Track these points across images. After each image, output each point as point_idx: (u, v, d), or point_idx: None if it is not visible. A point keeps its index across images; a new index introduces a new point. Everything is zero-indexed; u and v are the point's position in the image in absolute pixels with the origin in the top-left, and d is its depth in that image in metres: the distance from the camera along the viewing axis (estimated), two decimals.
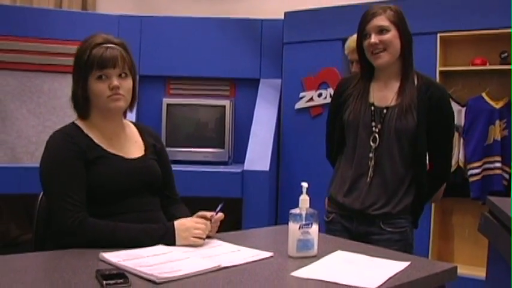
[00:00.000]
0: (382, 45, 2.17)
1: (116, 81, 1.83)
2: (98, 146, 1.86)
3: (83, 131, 1.87)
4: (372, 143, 2.21)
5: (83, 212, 1.73)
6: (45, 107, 4.37)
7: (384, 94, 2.25)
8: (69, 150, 1.79)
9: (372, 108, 2.23)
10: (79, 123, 1.90)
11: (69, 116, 1.97)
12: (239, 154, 4.42)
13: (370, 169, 2.22)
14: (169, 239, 1.72)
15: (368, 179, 2.22)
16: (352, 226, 2.27)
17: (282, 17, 4.42)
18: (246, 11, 4.90)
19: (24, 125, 4.31)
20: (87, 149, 1.82)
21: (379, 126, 2.21)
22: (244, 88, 4.62)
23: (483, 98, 3.73)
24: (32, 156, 4.25)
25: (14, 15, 4.36)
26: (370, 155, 2.21)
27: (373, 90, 2.28)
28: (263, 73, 4.58)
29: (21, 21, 4.35)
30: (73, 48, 4.79)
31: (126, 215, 1.80)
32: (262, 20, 4.60)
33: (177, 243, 1.72)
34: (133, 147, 1.96)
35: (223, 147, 4.41)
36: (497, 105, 3.68)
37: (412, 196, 2.23)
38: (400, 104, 2.19)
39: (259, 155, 4.06)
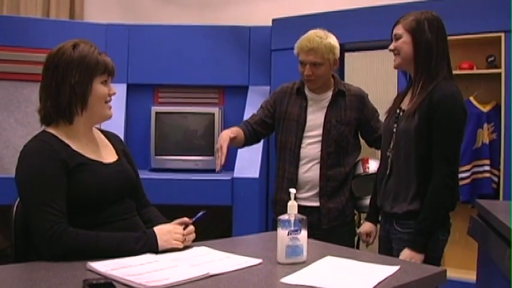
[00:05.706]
0: (396, 50, 2.28)
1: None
2: (76, 152, 1.80)
3: (58, 138, 1.80)
4: (390, 143, 2.30)
5: (64, 222, 1.66)
6: (33, 117, 4.26)
7: (408, 98, 2.33)
8: (49, 158, 1.72)
9: (397, 112, 2.32)
10: (52, 130, 1.82)
11: None
12: (229, 161, 4.39)
13: (388, 168, 2.30)
14: (151, 245, 1.71)
15: (385, 178, 2.32)
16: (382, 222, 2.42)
17: (270, 24, 4.43)
18: (234, 19, 4.90)
19: (12, 135, 4.27)
20: (67, 157, 1.76)
21: (395, 127, 2.29)
22: (233, 95, 4.61)
23: (471, 101, 3.74)
24: None
25: (1, 24, 4.33)
26: (388, 153, 2.31)
27: (407, 95, 2.36)
28: (251, 80, 4.57)
29: (9, 30, 4.31)
30: None
31: (113, 224, 1.77)
32: (250, 27, 4.60)
33: (159, 248, 1.71)
34: (107, 152, 1.95)
35: (212, 155, 4.39)
36: (485, 109, 3.70)
37: (419, 200, 2.20)
38: (410, 106, 2.25)
39: (248, 162, 4.05)
